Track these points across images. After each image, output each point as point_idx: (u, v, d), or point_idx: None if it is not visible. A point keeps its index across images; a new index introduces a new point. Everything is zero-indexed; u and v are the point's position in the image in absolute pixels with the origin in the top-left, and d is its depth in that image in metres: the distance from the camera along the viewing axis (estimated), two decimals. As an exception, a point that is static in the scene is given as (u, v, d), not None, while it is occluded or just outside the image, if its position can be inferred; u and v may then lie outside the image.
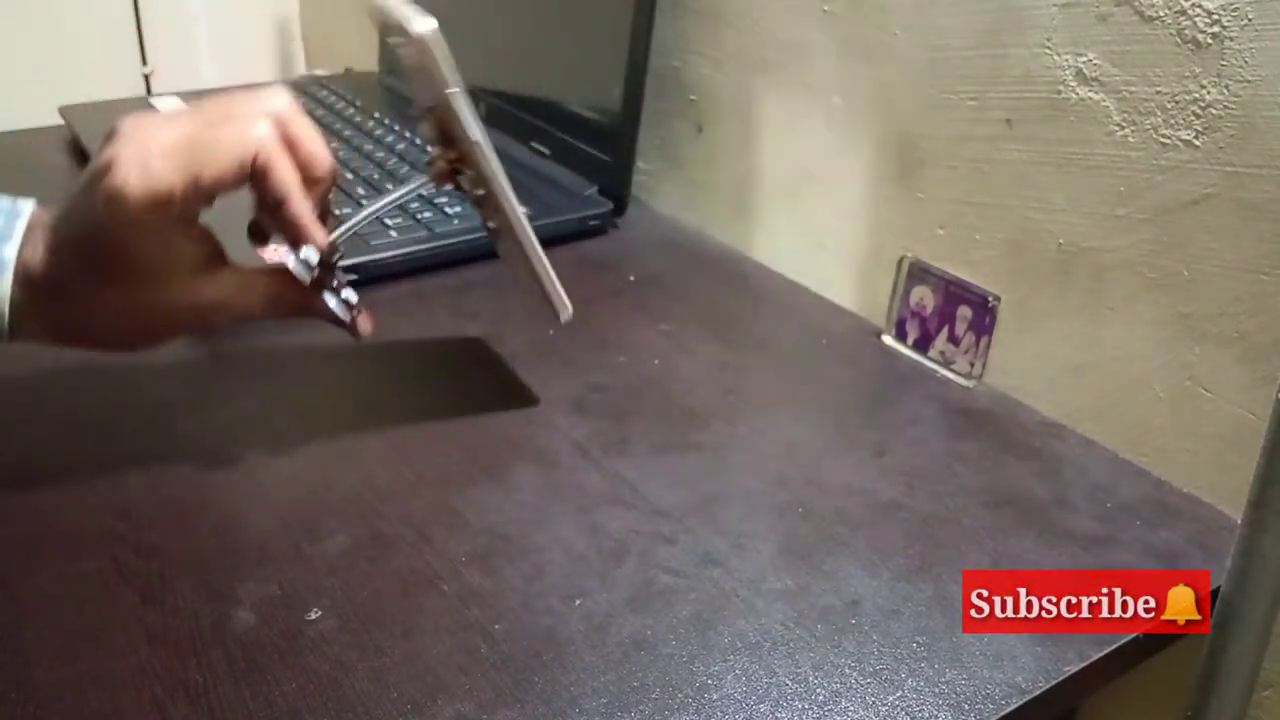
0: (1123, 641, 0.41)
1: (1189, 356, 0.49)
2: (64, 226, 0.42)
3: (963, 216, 0.58)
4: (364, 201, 0.72)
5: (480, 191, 0.47)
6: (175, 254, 0.42)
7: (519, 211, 0.47)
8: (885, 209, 0.63)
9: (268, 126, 0.41)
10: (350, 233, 0.47)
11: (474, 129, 0.44)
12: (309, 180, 0.44)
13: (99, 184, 0.40)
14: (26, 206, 0.44)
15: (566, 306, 0.50)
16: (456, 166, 0.47)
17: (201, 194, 0.41)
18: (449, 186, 0.48)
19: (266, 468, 0.49)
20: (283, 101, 0.43)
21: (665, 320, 0.63)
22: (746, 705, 0.37)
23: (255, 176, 0.41)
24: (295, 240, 0.43)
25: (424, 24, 0.42)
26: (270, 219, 0.44)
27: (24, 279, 0.42)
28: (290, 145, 0.42)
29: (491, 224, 0.52)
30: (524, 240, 0.48)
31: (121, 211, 0.39)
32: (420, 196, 0.72)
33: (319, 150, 0.44)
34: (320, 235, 0.44)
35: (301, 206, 0.42)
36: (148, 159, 0.39)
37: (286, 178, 0.42)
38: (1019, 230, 0.56)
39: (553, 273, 0.50)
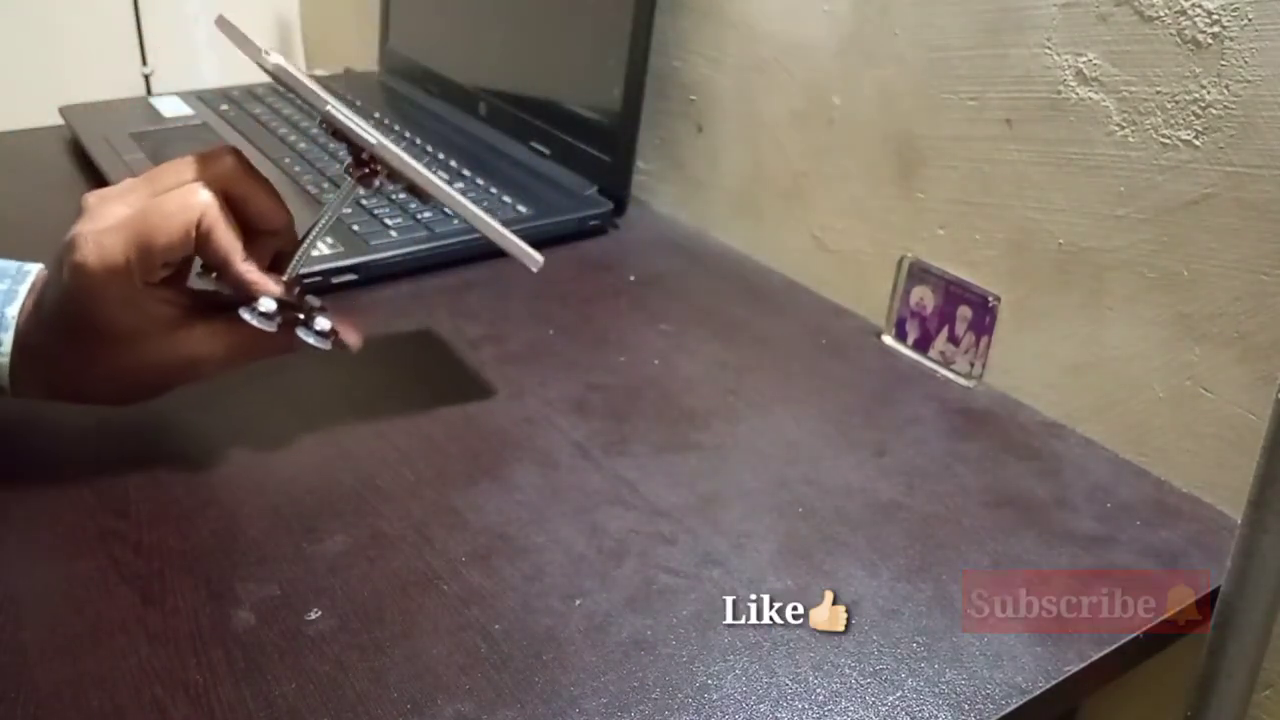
0: (1123, 641, 0.41)
1: (1189, 356, 0.49)
2: (46, 297, 0.45)
3: (963, 216, 0.58)
4: (364, 202, 0.72)
5: (401, 185, 0.48)
6: (146, 317, 0.44)
7: (449, 191, 0.47)
8: (885, 209, 0.63)
9: (209, 193, 0.43)
10: (300, 265, 0.47)
11: (367, 134, 0.44)
12: (263, 233, 0.45)
13: (65, 261, 0.42)
14: (33, 270, 0.47)
15: (535, 258, 0.50)
16: (372, 167, 0.47)
17: (154, 263, 0.42)
18: (377, 184, 0.48)
19: (266, 468, 0.49)
20: (227, 164, 0.44)
21: (665, 320, 0.63)
22: (746, 705, 0.37)
23: (198, 242, 0.43)
24: (246, 298, 0.44)
25: (275, 56, 0.43)
26: (219, 280, 0.45)
27: (19, 342, 0.45)
28: (238, 204, 0.44)
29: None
30: (467, 215, 0.48)
31: (85, 286, 0.42)
32: (420, 199, 0.72)
33: (267, 205, 0.45)
34: (270, 286, 0.44)
35: (241, 268, 0.44)
36: (101, 236, 0.42)
37: (225, 243, 0.43)
38: (1019, 230, 0.56)
39: (507, 232, 0.50)
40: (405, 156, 0.45)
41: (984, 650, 0.40)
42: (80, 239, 0.42)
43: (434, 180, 0.46)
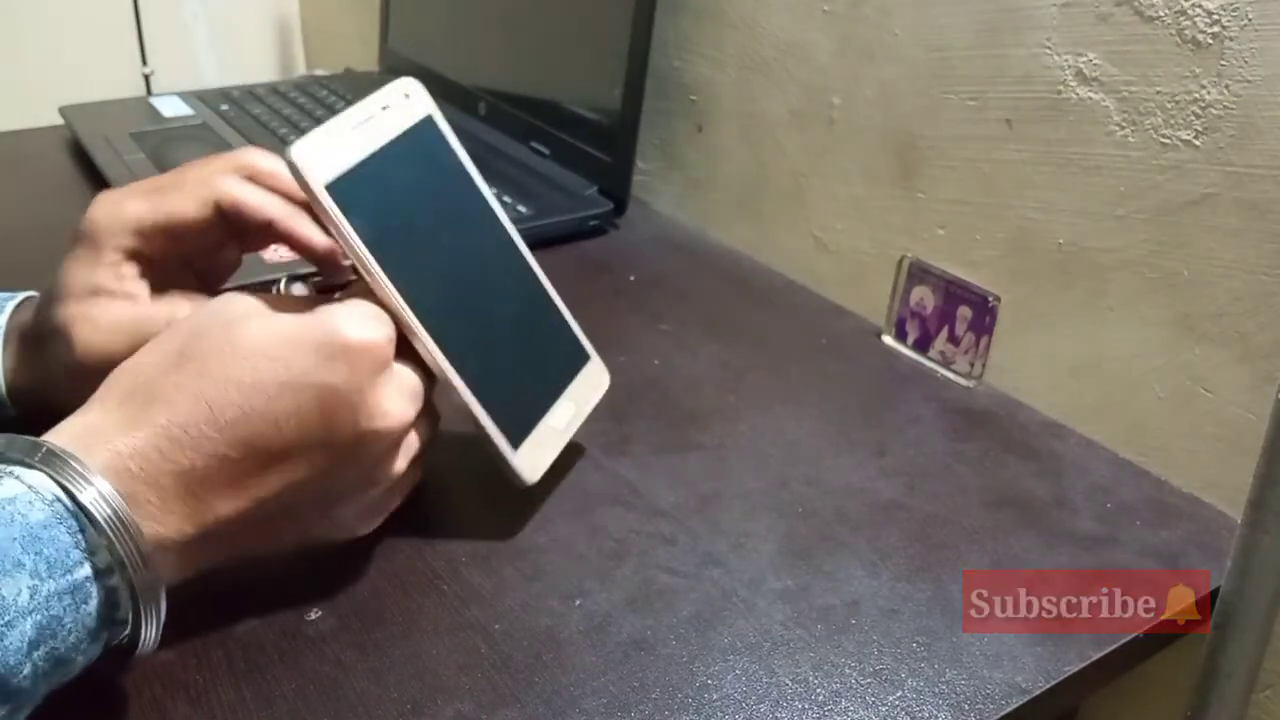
0: (1123, 641, 0.41)
1: (1189, 356, 0.49)
2: (45, 293, 0.45)
3: (963, 216, 0.58)
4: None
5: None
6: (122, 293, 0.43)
7: (433, 349, 0.40)
8: (885, 209, 0.63)
9: (230, 171, 0.43)
10: None
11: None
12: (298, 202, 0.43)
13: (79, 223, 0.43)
14: (18, 295, 0.47)
15: (527, 477, 0.43)
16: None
17: (163, 227, 0.42)
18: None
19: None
20: (254, 155, 0.44)
21: (665, 320, 0.63)
22: (746, 705, 0.37)
23: (229, 216, 0.42)
24: (301, 252, 0.42)
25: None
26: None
27: (17, 337, 0.45)
28: (263, 180, 0.43)
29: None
30: (449, 385, 0.41)
31: (89, 235, 0.42)
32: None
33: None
34: (322, 241, 0.42)
35: (294, 220, 0.42)
36: (121, 198, 0.43)
37: (261, 200, 0.42)
38: (1019, 230, 0.56)
39: (504, 441, 0.42)
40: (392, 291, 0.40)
41: (984, 650, 0.40)
42: (96, 200, 0.43)
43: (426, 340, 0.41)
